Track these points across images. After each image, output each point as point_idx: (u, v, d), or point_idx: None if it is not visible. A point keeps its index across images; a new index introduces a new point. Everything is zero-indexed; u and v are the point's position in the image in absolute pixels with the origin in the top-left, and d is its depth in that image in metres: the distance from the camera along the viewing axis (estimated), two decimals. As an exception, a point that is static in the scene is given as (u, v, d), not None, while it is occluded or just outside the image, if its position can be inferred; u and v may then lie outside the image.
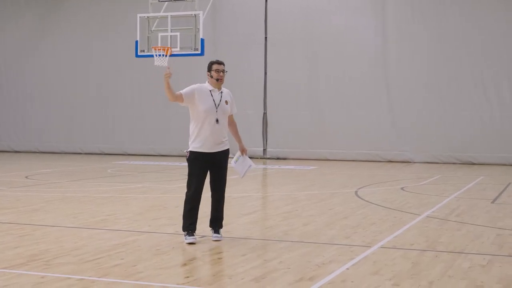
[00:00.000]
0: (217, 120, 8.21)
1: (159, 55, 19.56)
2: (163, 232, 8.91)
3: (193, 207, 8.16)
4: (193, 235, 8.04)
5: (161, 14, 20.18)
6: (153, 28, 20.15)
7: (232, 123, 8.62)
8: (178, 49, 19.69)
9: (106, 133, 26.93)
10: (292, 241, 8.26)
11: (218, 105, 8.28)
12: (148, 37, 20.12)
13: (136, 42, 20.21)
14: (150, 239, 8.34)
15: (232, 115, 8.54)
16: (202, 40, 19.57)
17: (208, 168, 8.24)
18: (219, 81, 8.37)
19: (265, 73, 24.71)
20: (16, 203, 11.73)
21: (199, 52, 19.65)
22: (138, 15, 20.26)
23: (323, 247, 7.91)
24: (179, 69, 24.40)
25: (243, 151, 8.75)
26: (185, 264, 6.90)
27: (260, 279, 6.31)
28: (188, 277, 6.38)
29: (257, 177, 18.39)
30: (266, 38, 24.61)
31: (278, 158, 24.41)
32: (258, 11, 24.62)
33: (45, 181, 16.08)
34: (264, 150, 24.87)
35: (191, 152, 8.17)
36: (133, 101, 26.48)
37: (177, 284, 6.12)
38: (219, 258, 7.21)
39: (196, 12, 19.66)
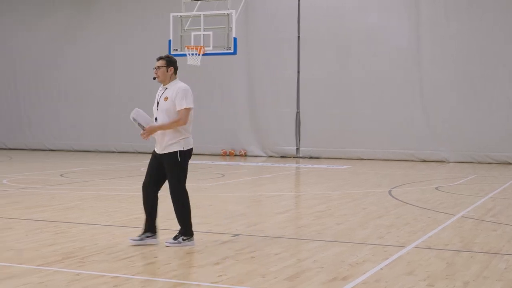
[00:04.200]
0: (156, 119, 7.94)
1: (192, 54, 19.64)
2: (196, 230, 8.90)
3: (142, 201, 8.03)
4: (139, 235, 7.90)
5: (194, 13, 20.24)
6: (186, 27, 20.22)
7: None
8: (211, 48, 19.74)
9: (139, 132, 26.99)
10: (325, 241, 8.23)
11: (158, 102, 7.98)
12: (181, 36, 20.19)
13: (169, 41, 20.29)
14: (183, 238, 8.35)
15: (179, 110, 7.78)
16: (235, 39, 19.58)
17: (156, 167, 7.92)
18: (155, 79, 8.09)
19: (298, 72, 24.65)
20: (51, 201, 11.85)
21: (231, 51, 19.66)
22: (171, 14, 20.34)
23: (357, 247, 7.87)
24: (211, 68, 24.58)
25: (145, 129, 7.84)
26: (218, 263, 6.90)
27: (293, 278, 6.29)
28: (221, 275, 6.38)
29: (290, 176, 18.37)
30: (299, 37, 24.55)
31: (311, 157, 24.35)
32: (290, 9, 24.56)
33: (80, 179, 16.23)
34: (297, 149, 24.82)
35: None
36: (165, 100, 26.55)
37: (210, 282, 6.13)
38: (252, 257, 7.20)
39: (229, 11, 19.67)
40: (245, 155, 25.23)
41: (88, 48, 27.50)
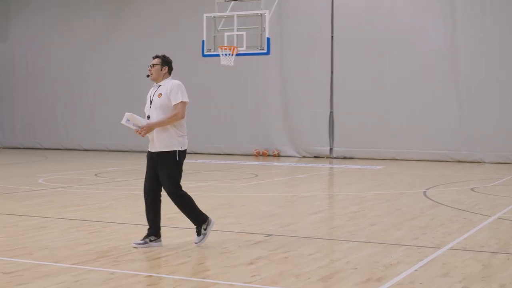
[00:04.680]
0: (148, 117, 7.87)
1: (226, 55, 19.66)
2: (229, 230, 8.93)
3: (145, 206, 8.02)
4: (143, 238, 7.82)
5: (227, 13, 20.26)
6: (219, 28, 20.25)
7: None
8: (244, 48, 19.74)
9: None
10: (359, 241, 8.17)
11: (151, 100, 7.91)
12: (214, 36, 20.22)
13: (203, 41, 20.35)
14: (216, 238, 8.36)
15: (174, 105, 7.76)
16: (268, 39, 19.56)
17: (153, 167, 7.89)
18: (149, 77, 7.99)
19: (332, 72, 24.55)
20: (86, 200, 11.95)
21: (265, 51, 19.64)
22: (205, 15, 20.39)
23: (391, 248, 7.80)
24: (244, 68, 24.60)
25: (143, 127, 7.70)
26: (251, 263, 6.89)
27: (327, 279, 6.26)
28: (254, 275, 6.37)
29: (324, 177, 18.31)
30: (332, 37, 24.44)
31: (344, 158, 24.24)
32: (324, 9, 24.48)
33: (114, 179, 16.34)
34: (331, 149, 24.73)
35: None
36: (199, 100, 26.62)
37: (244, 282, 6.12)
38: (285, 257, 7.18)
39: (262, 11, 19.66)
40: (278, 155, 25.21)
41: (122, 49, 27.70)
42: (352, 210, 10.98)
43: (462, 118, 22.81)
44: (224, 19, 20.32)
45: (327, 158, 24.46)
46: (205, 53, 20.42)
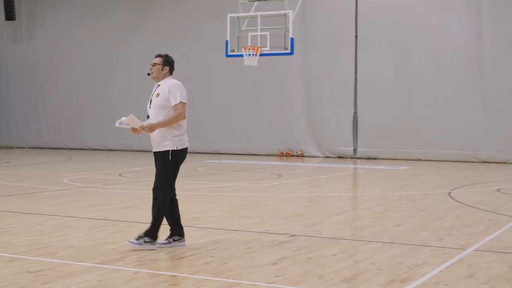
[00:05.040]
0: (148, 116, 7.85)
1: (249, 55, 19.66)
2: (253, 230, 8.93)
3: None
4: (166, 238, 7.83)
5: (251, 14, 20.27)
6: (243, 28, 20.26)
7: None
8: (267, 48, 19.73)
9: (196, 132, 27.23)
10: (383, 242, 8.13)
11: (151, 99, 7.86)
12: (238, 37, 20.24)
13: (226, 42, 20.37)
14: (240, 238, 8.37)
15: (174, 106, 7.67)
16: (292, 39, 19.54)
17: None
18: (149, 75, 7.94)
19: (355, 72, 24.45)
20: (110, 200, 12.01)
21: (288, 51, 19.62)
22: (228, 15, 20.42)
23: (416, 249, 7.75)
24: (268, 68, 24.58)
25: (142, 127, 7.64)
26: (275, 263, 6.88)
27: (351, 280, 6.23)
28: (278, 276, 6.36)
29: (348, 177, 18.25)
30: (356, 36, 24.35)
31: (368, 158, 24.14)
32: (348, 9, 24.39)
33: (138, 178, 16.42)
34: (355, 149, 24.63)
35: None
36: (223, 100, 26.72)
37: (267, 283, 6.11)
38: (309, 258, 7.16)
39: (286, 11, 19.63)
40: (302, 156, 25.17)
41: (146, 49, 27.79)
42: (376, 211, 10.93)
43: (488, 118, 22.60)
44: (247, 19, 20.33)
45: (351, 158, 24.37)
46: (229, 53, 20.44)
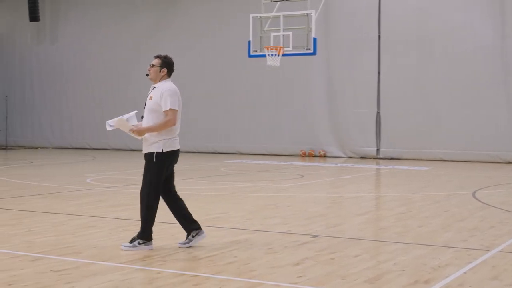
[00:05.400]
0: (142, 117, 7.81)
1: (272, 55, 19.66)
2: (275, 231, 8.92)
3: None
4: (186, 238, 7.84)
5: (274, 14, 20.26)
6: (265, 28, 20.26)
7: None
8: (290, 48, 19.72)
9: (219, 132, 27.31)
10: (406, 243, 8.09)
11: (146, 102, 7.81)
12: (260, 37, 20.24)
13: (249, 42, 20.38)
14: (262, 238, 8.37)
15: (165, 111, 7.60)
16: (315, 40, 19.50)
17: None
18: (147, 76, 7.86)
19: (379, 72, 24.36)
20: (133, 200, 12.05)
21: (311, 51, 19.58)
22: (251, 15, 20.43)
23: (439, 250, 7.70)
24: (290, 68, 24.56)
25: (131, 130, 7.65)
26: (297, 264, 6.87)
27: (373, 281, 6.20)
28: (300, 276, 6.35)
29: (371, 178, 18.18)
30: (379, 36, 24.25)
31: (391, 158, 24.03)
32: (371, 9, 24.30)
33: (161, 179, 16.44)
34: (378, 150, 24.54)
35: None
36: (246, 100, 26.74)
37: (290, 283, 6.10)
38: (331, 259, 7.14)
39: (309, 12, 19.61)
40: (324, 156, 25.12)
41: (169, 49, 27.84)
42: (400, 211, 10.87)
43: (512, 118, 22.42)
44: (270, 19, 20.33)
45: (373, 158, 24.28)
46: (251, 53, 20.46)
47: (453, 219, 10.04)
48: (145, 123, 7.70)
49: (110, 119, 7.90)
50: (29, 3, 29.08)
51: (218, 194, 13.16)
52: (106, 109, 29.30)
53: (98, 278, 6.26)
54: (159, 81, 7.80)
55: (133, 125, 7.74)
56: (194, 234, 7.75)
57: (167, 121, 7.57)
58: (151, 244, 7.59)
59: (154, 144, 7.62)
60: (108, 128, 7.82)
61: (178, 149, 7.84)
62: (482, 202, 12.09)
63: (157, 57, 7.86)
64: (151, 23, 28.43)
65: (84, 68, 30.02)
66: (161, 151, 7.59)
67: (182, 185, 14.81)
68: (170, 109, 7.57)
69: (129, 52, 28.74)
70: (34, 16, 29.36)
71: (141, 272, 6.48)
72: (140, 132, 7.62)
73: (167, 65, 7.85)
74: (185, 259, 7.04)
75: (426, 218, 10.10)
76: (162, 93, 7.62)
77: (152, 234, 7.65)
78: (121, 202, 11.67)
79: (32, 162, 22.36)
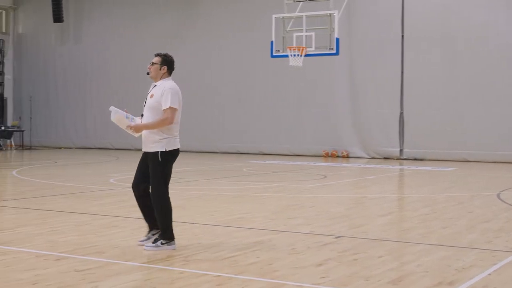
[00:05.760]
0: (141, 115, 7.81)
1: (294, 55, 19.63)
2: (298, 231, 8.90)
3: (137, 203, 7.94)
4: (146, 235, 7.80)
5: (296, 14, 20.23)
6: (288, 28, 20.24)
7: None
8: (313, 49, 19.67)
9: (242, 133, 27.34)
10: (430, 244, 8.02)
11: (146, 99, 7.81)
12: (283, 37, 20.22)
13: (272, 42, 20.37)
14: (285, 238, 8.35)
15: (164, 109, 7.61)
16: (337, 40, 19.44)
17: (143, 166, 7.84)
18: (148, 74, 7.85)
19: (402, 72, 24.23)
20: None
21: (334, 51, 19.53)
22: (273, 16, 20.41)
23: (463, 251, 7.64)
24: (313, 69, 24.50)
25: (129, 127, 7.69)
26: (320, 264, 6.84)
27: (397, 282, 6.16)
28: (323, 277, 6.32)
29: (394, 178, 18.09)
30: (402, 36, 24.14)
31: (415, 159, 23.89)
32: (394, 9, 24.19)
33: (183, 179, 16.49)
34: (401, 150, 24.42)
35: None
36: (268, 101, 26.74)
37: (313, 284, 6.08)
38: (354, 260, 7.10)
39: (331, 12, 19.55)
40: (347, 157, 25.04)
41: (191, 49, 27.96)
42: (423, 212, 10.80)
43: (538, 118, 22.19)
44: (293, 19, 20.30)
45: (397, 159, 24.16)
46: (274, 53, 20.44)
47: (478, 220, 9.96)
48: (145, 120, 7.73)
49: (131, 118, 7.90)
50: (53, 4, 29.29)
51: (241, 195, 13.16)
52: (129, 109, 29.37)
53: (121, 277, 6.28)
54: (160, 79, 7.83)
55: (130, 123, 7.71)
56: (155, 233, 7.70)
57: (165, 119, 7.59)
58: (174, 243, 7.60)
59: (156, 143, 7.66)
60: (112, 115, 7.85)
61: (179, 148, 7.91)
62: (507, 203, 11.97)
63: (157, 55, 7.89)
64: (174, 24, 28.52)
65: (107, 68, 30.19)
66: (164, 150, 7.65)
67: (205, 185, 14.85)
68: (169, 107, 7.60)
69: (152, 52, 28.69)
70: (58, 17, 29.57)
71: (164, 272, 6.49)
72: (138, 129, 7.66)
73: (167, 63, 7.88)
74: (207, 259, 7.04)
75: (450, 219, 10.02)
76: (164, 91, 7.66)
77: (175, 234, 7.66)
78: (144, 202, 11.68)
79: (56, 162, 22.52)
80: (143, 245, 7.62)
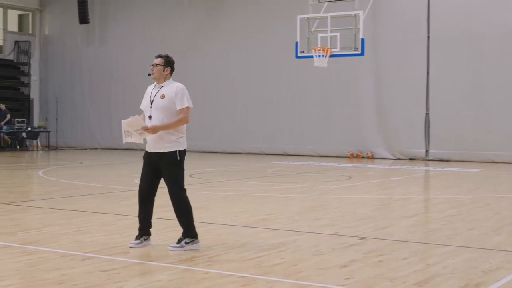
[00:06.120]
0: (149, 117, 7.73)
1: (319, 56, 19.59)
2: (323, 232, 8.87)
3: (139, 208, 7.96)
4: (137, 239, 7.78)
5: (321, 14, 20.19)
6: (313, 29, 20.21)
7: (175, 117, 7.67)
8: (338, 49, 19.62)
9: (266, 134, 27.34)
10: (456, 246, 7.96)
11: (153, 100, 7.75)
12: (308, 38, 20.21)
13: (296, 43, 20.35)
14: (310, 239, 8.33)
15: (180, 110, 7.64)
16: (362, 40, 19.38)
17: (153, 168, 7.83)
18: (150, 75, 7.81)
19: (427, 73, 24.08)
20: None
21: (359, 52, 19.47)
22: (298, 16, 20.40)
23: (490, 253, 7.56)
24: (338, 69, 24.43)
25: (144, 128, 7.58)
26: (345, 266, 6.81)
27: (422, 284, 6.11)
28: (348, 278, 6.30)
29: (419, 179, 17.97)
30: (428, 36, 23.98)
31: (441, 160, 23.73)
32: (420, 8, 24.05)
33: (208, 180, 16.53)
34: (426, 151, 24.27)
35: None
36: (292, 101, 26.71)
37: (337, 285, 6.05)
38: (379, 261, 7.06)
39: (356, 12, 19.49)
40: (372, 157, 24.93)
41: (216, 50, 28.02)
42: (449, 214, 10.71)
43: None
44: (317, 20, 20.28)
45: (422, 160, 24.01)
46: (299, 54, 20.43)
47: (504, 221, 9.86)
48: (157, 121, 7.67)
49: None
50: (78, 6, 29.52)
51: (266, 195, 13.15)
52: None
53: (146, 278, 6.30)
54: (164, 80, 7.83)
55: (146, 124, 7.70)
56: (146, 238, 7.80)
57: (183, 119, 7.65)
58: (198, 241, 7.63)
59: (174, 142, 7.68)
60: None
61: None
62: (535, 205, 11.85)
63: (160, 56, 7.88)
64: (198, 25, 28.60)
65: (132, 69, 30.34)
66: (182, 149, 7.71)
67: (230, 186, 14.86)
68: (186, 107, 7.67)
69: (176, 53, 28.72)
70: (83, 18, 29.79)
71: (188, 273, 6.50)
72: (155, 130, 7.60)
73: (170, 64, 7.91)
74: (232, 260, 7.04)
75: (477, 221, 9.93)
76: (177, 92, 7.70)
77: (198, 235, 7.68)
78: (168, 203, 11.67)
79: (81, 163, 22.68)
80: (134, 247, 7.63)
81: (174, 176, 7.70)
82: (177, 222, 8.89)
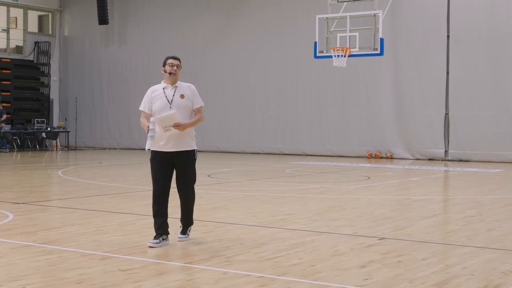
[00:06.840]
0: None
1: (338, 56, 19.55)
2: (341, 233, 8.85)
3: (156, 208, 8.01)
4: (156, 238, 7.80)
5: (340, 14, 20.15)
6: (332, 29, 20.17)
7: (195, 116, 8.00)
8: (357, 49, 19.57)
9: (284, 134, 27.33)
10: (475, 247, 7.91)
11: (172, 100, 7.87)
12: (327, 38, 20.17)
13: (315, 43, 20.32)
14: (328, 240, 8.31)
15: (198, 108, 8.00)
16: (382, 40, 19.31)
17: (169, 168, 7.97)
18: (171, 75, 7.92)
19: (447, 73, 23.95)
20: (199, 200, 12.10)
21: (378, 52, 19.41)
22: (317, 16, 20.36)
23: (510, 254, 7.51)
24: (357, 69, 24.37)
25: (177, 124, 7.69)
26: (363, 266, 6.79)
27: (441, 285, 6.08)
28: (366, 279, 6.27)
29: (438, 180, 17.88)
30: (448, 36, 23.85)
31: (460, 160, 23.59)
32: (440, 8, 23.92)
33: (226, 180, 16.54)
34: (446, 152, 24.13)
35: (151, 151, 7.96)
36: (311, 101, 26.67)
37: (356, 286, 6.03)
38: (398, 262, 7.03)
39: (376, 12, 19.43)
40: (391, 158, 24.84)
41: (233, 49, 28.03)
42: (469, 215, 10.64)
43: None
44: (336, 20, 20.23)
45: (442, 160, 23.88)
46: (318, 54, 20.39)
47: (525, 222, 9.79)
48: (180, 120, 7.79)
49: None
50: (98, 6, 29.67)
51: (284, 196, 13.14)
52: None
53: (164, 277, 6.32)
54: (177, 80, 8.05)
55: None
56: (164, 238, 7.87)
57: (202, 117, 8.02)
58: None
59: (193, 141, 8.06)
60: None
61: None
62: (555, 206, 11.75)
63: (176, 58, 8.07)
64: (217, 25, 28.64)
65: (151, 70, 30.40)
66: (197, 148, 8.09)
67: (248, 186, 14.86)
68: (201, 106, 8.00)
69: (195, 54, 28.97)
70: (103, 19, 29.95)
71: (207, 272, 6.51)
72: (184, 127, 7.79)
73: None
74: (250, 260, 7.04)
75: (496, 222, 9.87)
76: (193, 91, 8.03)
77: (217, 235, 7.73)
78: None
79: (100, 163, 22.78)
80: (153, 246, 7.66)
81: (192, 173, 8.15)
82: (195, 222, 8.89)
